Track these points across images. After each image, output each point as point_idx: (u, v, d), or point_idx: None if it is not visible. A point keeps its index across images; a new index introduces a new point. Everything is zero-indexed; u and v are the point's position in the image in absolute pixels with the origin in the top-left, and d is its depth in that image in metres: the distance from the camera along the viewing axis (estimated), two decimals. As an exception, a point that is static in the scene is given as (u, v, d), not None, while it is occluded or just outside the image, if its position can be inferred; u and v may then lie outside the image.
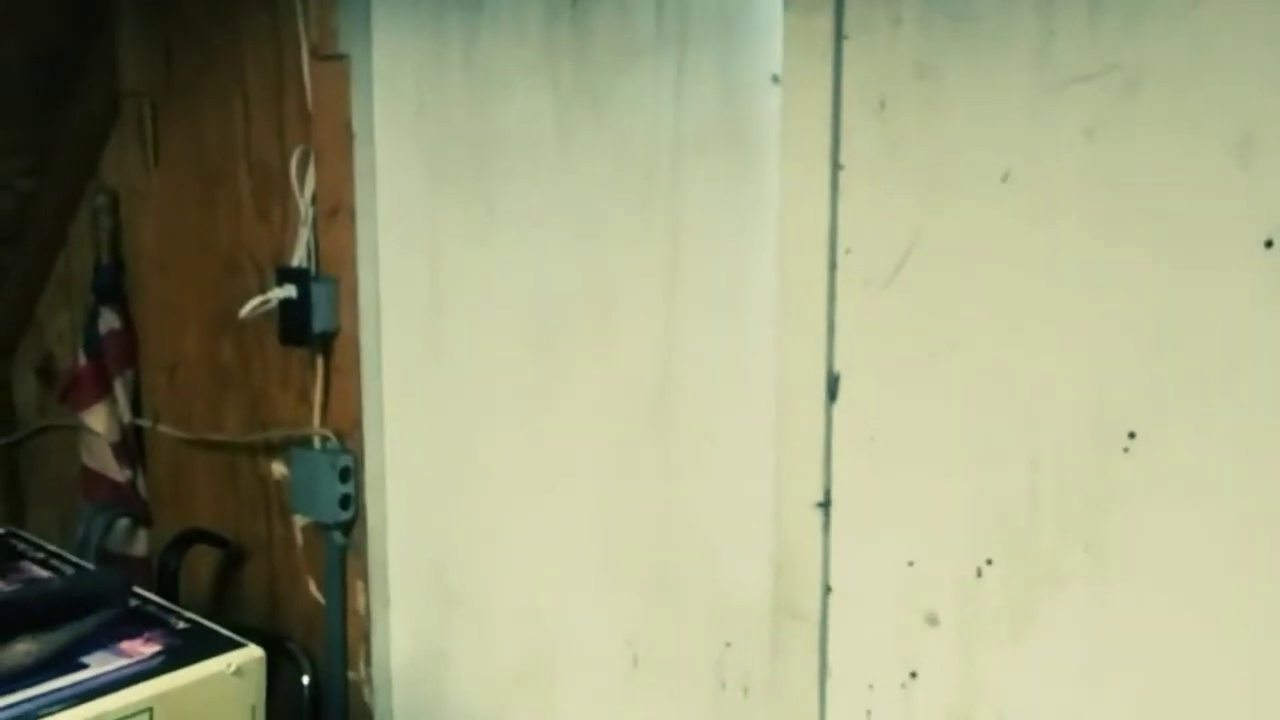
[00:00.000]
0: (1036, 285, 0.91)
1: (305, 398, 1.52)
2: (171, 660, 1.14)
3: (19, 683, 1.06)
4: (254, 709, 1.17)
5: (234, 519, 1.68)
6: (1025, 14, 0.90)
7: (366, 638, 1.51)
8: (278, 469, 1.59)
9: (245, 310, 1.46)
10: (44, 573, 1.34)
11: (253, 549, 1.66)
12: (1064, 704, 0.94)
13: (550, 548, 1.32)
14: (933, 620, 1.00)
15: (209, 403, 1.67)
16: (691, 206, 1.13)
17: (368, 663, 1.51)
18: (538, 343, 1.29)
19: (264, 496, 1.62)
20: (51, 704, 1.04)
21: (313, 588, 1.55)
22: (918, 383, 0.98)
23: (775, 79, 1.04)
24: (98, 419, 1.77)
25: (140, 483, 1.82)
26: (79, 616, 1.16)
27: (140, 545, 1.83)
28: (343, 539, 1.50)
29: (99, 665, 1.12)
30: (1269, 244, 0.80)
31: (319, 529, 1.52)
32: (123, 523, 1.80)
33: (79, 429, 1.82)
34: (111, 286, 1.78)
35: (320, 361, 1.49)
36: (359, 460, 1.47)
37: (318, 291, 1.45)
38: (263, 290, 1.48)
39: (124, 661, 1.13)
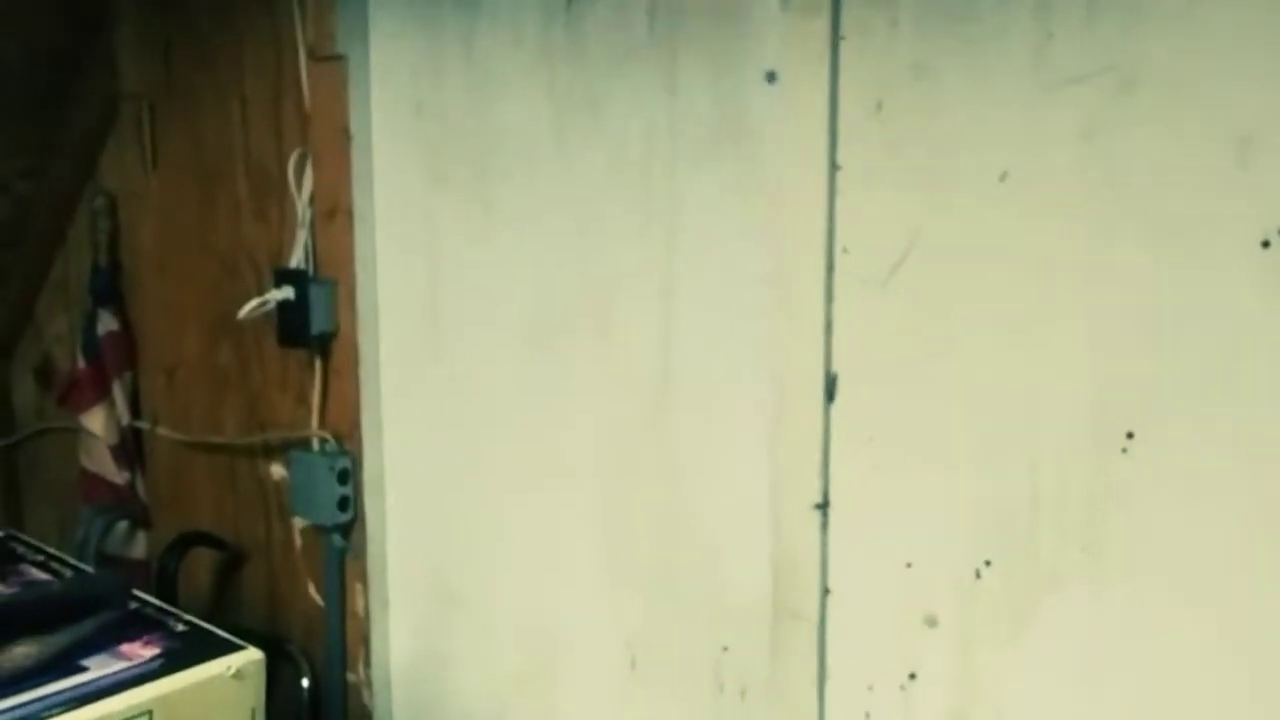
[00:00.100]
0: (1034, 285, 0.91)
1: (304, 399, 1.52)
2: (171, 663, 1.13)
3: (18, 685, 1.06)
4: (254, 711, 1.17)
5: (233, 521, 1.68)
6: (1022, 15, 0.90)
7: (366, 640, 1.51)
8: (276, 471, 1.59)
9: (243, 312, 1.46)
10: (43, 575, 1.34)
11: (252, 551, 1.66)
12: (1063, 705, 0.94)
13: (549, 549, 1.32)
14: (932, 622, 1.00)
15: (208, 405, 1.68)
16: (689, 207, 1.13)
17: (367, 664, 1.51)
18: (536, 343, 1.29)
19: (263, 499, 1.62)
20: (51, 707, 1.04)
21: (312, 590, 1.56)
22: (916, 383, 0.98)
23: (772, 79, 1.04)
24: (96, 421, 1.77)
25: (139, 485, 1.82)
26: (78, 619, 1.16)
27: (139, 548, 1.83)
28: (342, 541, 1.50)
29: (98, 668, 1.11)
30: (1266, 244, 0.80)
31: (318, 531, 1.52)
32: (122, 525, 1.80)
33: (78, 431, 1.82)
34: (109, 288, 1.78)
35: (319, 363, 1.49)
36: (358, 462, 1.47)
37: (316, 293, 1.45)
38: (261, 292, 1.48)
39: (123, 664, 1.12)
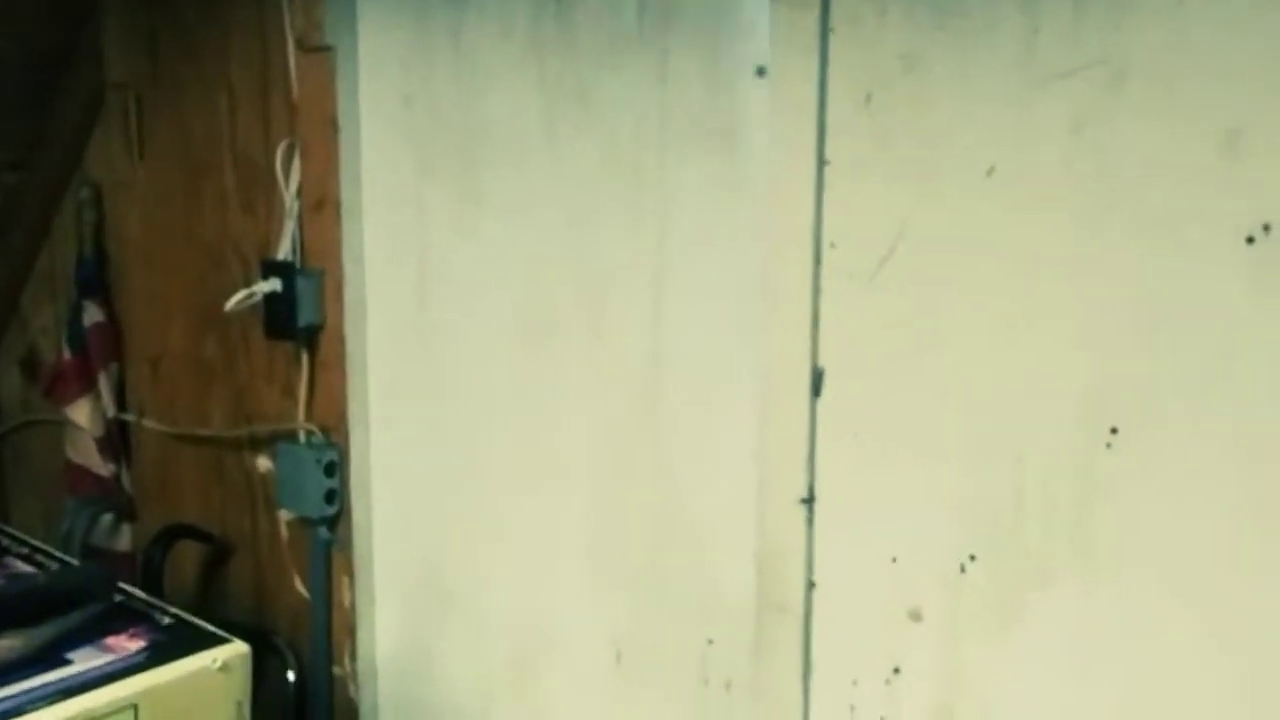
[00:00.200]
0: (1022, 279, 0.91)
1: (290, 392, 1.51)
2: (156, 656, 1.14)
3: (3, 678, 1.06)
4: (239, 704, 1.18)
5: (219, 514, 1.67)
6: (1011, 9, 0.90)
7: (352, 633, 1.51)
8: (263, 464, 1.59)
9: (230, 304, 1.46)
10: (28, 568, 1.34)
11: (238, 544, 1.66)
12: (1048, 699, 0.94)
13: (536, 543, 1.32)
14: (916, 616, 1.00)
15: (194, 397, 1.67)
16: (678, 200, 1.14)
17: (353, 658, 1.51)
18: (525, 336, 1.29)
19: (249, 491, 1.62)
20: (36, 700, 1.04)
21: (298, 583, 1.55)
22: (902, 378, 0.99)
23: (761, 72, 1.04)
24: (82, 413, 1.76)
25: (125, 477, 1.81)
26: (63, 612, 1.17)
27: (125, 540, 1.82)
28: (328, 534, 1.50)
29: (84, 661, 1.12)
30: (1251, 240, 0.81)
31: (304, 524, 1.52)
32: (107, 518, 1.79)
33: (63, 423, 1.81)
34: (95, 280, 1.77)
35: (305, 355, 1.49)
36: (344, 455, 1.47)
37: (303, 285, 1.45)
38: (248, 283, 1.48)
39: (109, 657, 1.13)
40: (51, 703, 1.04)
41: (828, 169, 1.00)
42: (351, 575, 1.49)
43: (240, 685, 1.17)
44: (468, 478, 1.38)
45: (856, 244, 1.00)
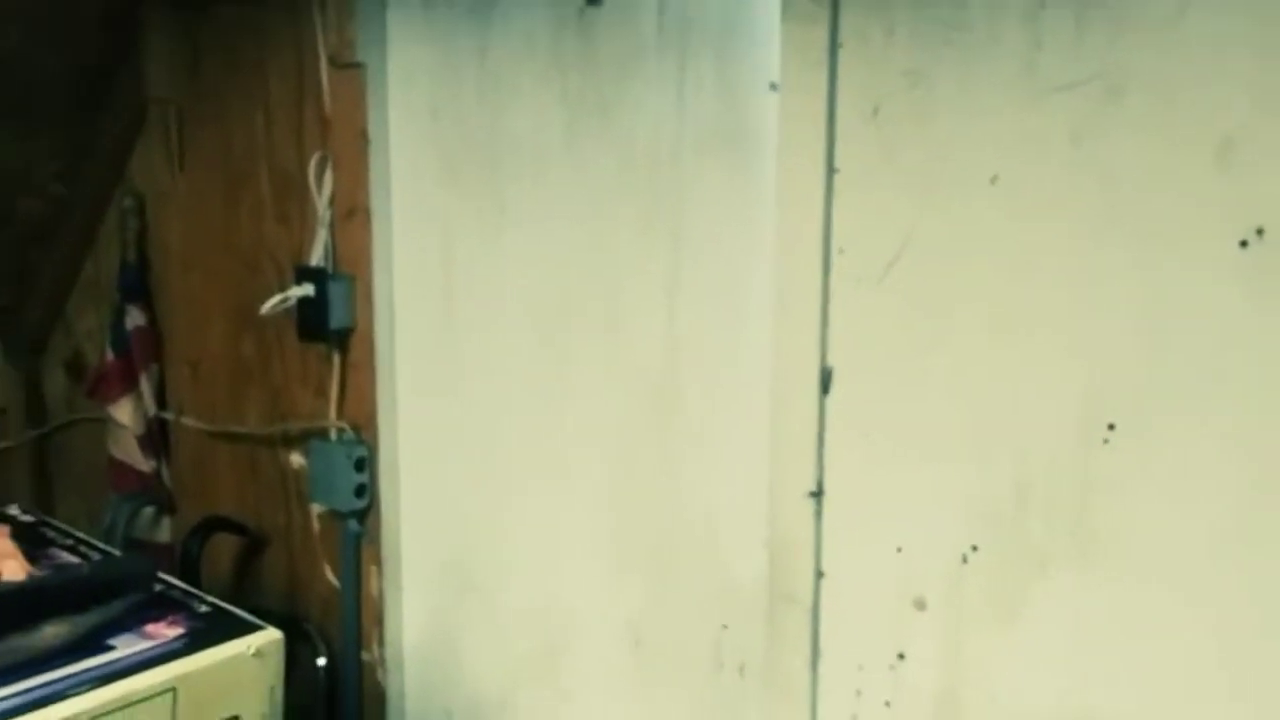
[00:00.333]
0: (1023, 284, 0.93)
1: (322, 392, 1.54)
2: (194, 642, 1.15)
3: (48, 664, 1.08)
4: (273, 689, 1.19)
5: (254, 507, 1.70)
6: (1013, 25, 0.91)
7: (380, 621, 1.53)
8: (296, 460, 1.61)
9: (265, 308, 1.49)
10: (72, 559, 1.35)
11: (272, 536, 1.69)
12: (1048, 686, 0.96)
13: (556, 534, 1.34)
14: (921, 604, 1.02)
15: (230, 396, 1.70)
16: (693, 208, 1.16)
17: (381, 644, 1.54)
18: (546, 338, 1.32)
19: (283, 486, 1.65)
20: (79, 684, 1.06)
21: (329, 573, 1.58)
22: (908, 377, 1.00)
23: (773, 86, 1.06)
24: (124, 412, 1.80)
25: (165, 473, 1.84)
26: (106, 601, 1.17)
27: (164, 532, 1.85)
28: (358, 526, 1.53)
29: (125, 647, 1.13)
30: (1244, 244, 0.82)
31: (335, 517, 1.55)
32: (148, 511, 1.83)
33: (106, 422, 1.85)
34: (138, 285, 1.81)
35: (337, 357, 1.52)
36: (373, 451, 1.50)
37: (335, 290, 1.48)
38: (282, 289, 1.51)
39: (149, 644, 1.14)
40: (94, 687, 1.05)
41: (837, 178, 1.02)
42: (380, 566, 1.52)
43: (274, 670, 1.19)
44: (491, 472, 1.40)
45: (864, 249, 1.01)
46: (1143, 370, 0.88)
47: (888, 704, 1.06)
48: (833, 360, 1.05)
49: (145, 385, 1.81)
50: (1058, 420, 0.92)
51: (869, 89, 1.00)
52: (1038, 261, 0.92)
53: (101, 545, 1.43)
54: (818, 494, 1.07)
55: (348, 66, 1.44)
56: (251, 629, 1.20)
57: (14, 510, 1.50)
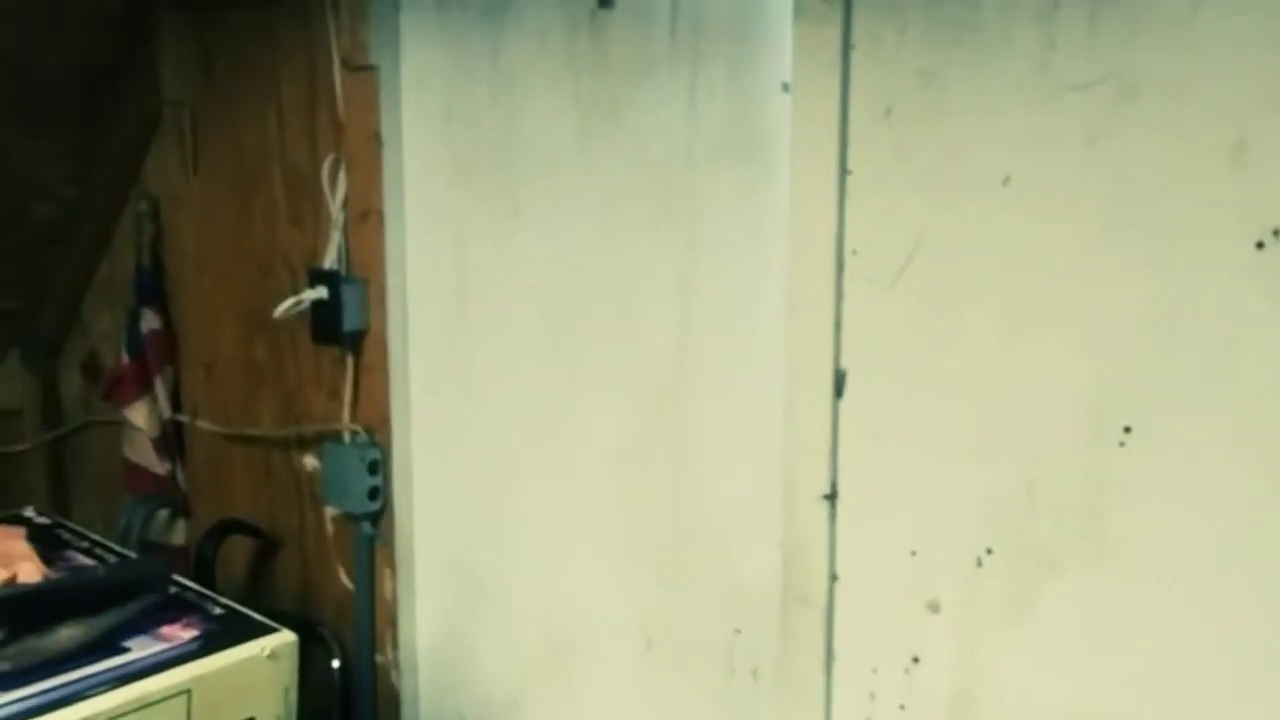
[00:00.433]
0: (1036, 285, 0.93)
1: (336, 394, 1.55)
2: (209, 644, 1.16)
3: (64, 666, 1.09)
4: (287, 690, 1.20)
5: (268, 510, 1.71)
6: (1026, 25, 0.91)
7: (394, 623, 1.54)
8: (310, 462, 1.63)
9: (279, 310, 1.50)
10: (88, 561, 1.36)
11: (286, 538, 1.70)
12: (1061, 688, 0.96)
13: (569, 537, 1.35)
14: (934, 607, 1.02)
15: (245, 399, 1.71)
16: (705, 210, 1.16)
17: (395, 646, 1.55)
18: (558, 339, 1.32)
19: (297, 488, 1.66)
20: (95, 686, 1.07)
21: (343, 575, 1.59)
22: (921, 379, 1.00)
23: (785, 88, 1.07)
24: (139, 415, 1.82)
25: (179, 475, 1.86)
26: (121, 603, 1.18)
27: (179, 535, 1.87)
28: (371, 529, 1.54)
29: (140, 649, 1.14)
30: (1260, 245, 0.82)
31: (349, 519, 1.56)
32: (163, 513, 1.84)
33: (121, 424, 1.86)
34: (152, 288, 1.83)
35: (350, 359, 1.53)
36: (387, 454, 1.51)
37: (348, 292, 1.49)
38: (296, 291, 1.52)
39: (164, 645, 1.15)
40: (110, 689, 1.06)
41: (849, 179, 1.02)
42: (393, 568, 1.53)
43: (288, 672, 1.20)
44: (504, 475, 1.41)
45: (877, 251, 1.01)
46: (1156, 372, 0.88)
47: (902, 707, 1.06)
48: (846, 362, 1.05)
49: (160, 388, 1.82)
50: (1072, 422, 0.92)
51: (881, 90, 1.00)
52: (1051, 262, 0.92)
53: (117, 547, 1.45)
54: (831, 496, 1.07)
55: (361, 69, 1.45)
56: (266, 631, 1.20)
57: (30, 512, 1.51)
